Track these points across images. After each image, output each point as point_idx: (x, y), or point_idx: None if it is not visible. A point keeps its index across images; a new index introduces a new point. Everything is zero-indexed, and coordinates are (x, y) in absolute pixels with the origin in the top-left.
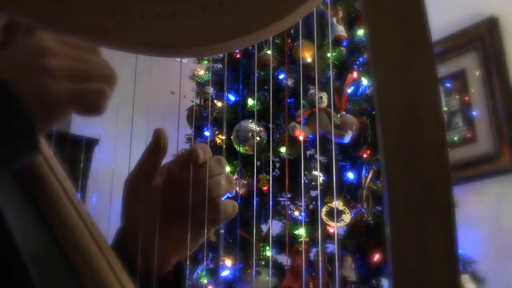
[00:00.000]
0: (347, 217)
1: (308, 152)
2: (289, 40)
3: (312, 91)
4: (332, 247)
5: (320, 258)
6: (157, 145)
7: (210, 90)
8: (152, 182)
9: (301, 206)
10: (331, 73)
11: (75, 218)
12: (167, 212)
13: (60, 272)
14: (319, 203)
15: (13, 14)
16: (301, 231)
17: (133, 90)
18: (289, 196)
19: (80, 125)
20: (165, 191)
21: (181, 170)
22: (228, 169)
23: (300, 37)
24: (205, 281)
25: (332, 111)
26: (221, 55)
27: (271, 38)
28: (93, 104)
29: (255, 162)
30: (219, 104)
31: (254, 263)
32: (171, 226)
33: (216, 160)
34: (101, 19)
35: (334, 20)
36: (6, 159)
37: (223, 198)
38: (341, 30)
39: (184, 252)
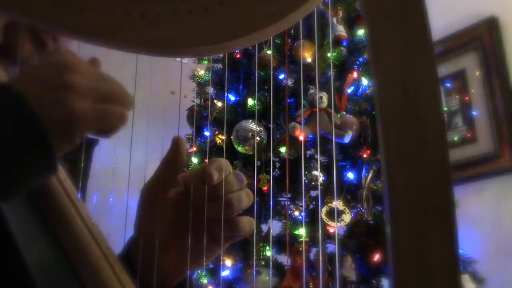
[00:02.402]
0: (347, 217)
1: (308, 152)
2: (289, 40)
3: (312, 91)
4: (332, 247)
5: (320, 258)
6: (176, 154)
7: (210, 90)
8: (169, 193)
9: (301, 206)
10: (331, 73)
11: (76, 218)
12: (182, 225)
13: (61, 272)
14: (319, 203)
15: (14, 14)
16: (301, 231)
17: (133, 90)
18: (289, 196)
19: None
20: (181, 204)
21: (198, 184)
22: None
23: (301, 37)
24: (205, 281)
25: (332, 111)
26: (221, 55)
27: (271, 38)
28: (111, 127)
29: (255, 162)
30: (219, 104)
31: (254, 263)
32: (185, 239)
33: (236, 175)
34: (102, 19)
35: (334, 20)
36: (23, 180)
37: None
38: (341, 30)
39: (197, 267)
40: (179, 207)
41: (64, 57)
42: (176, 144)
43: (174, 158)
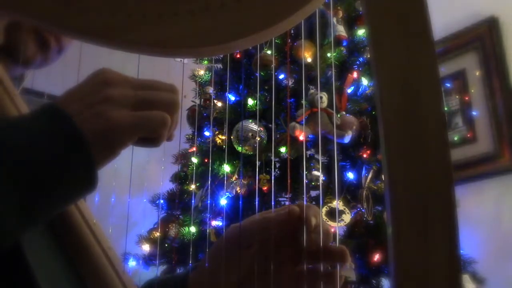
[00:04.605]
0: (347, 217)
1: (308, 152)
2: (290, 40)
3: (312, 91)
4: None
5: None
6: (285, 220)
7: (211, 90)
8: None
9: None
10: (332, 73)
11: (78, 218)
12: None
13: (62, 272)
14: (320, 203)
15: (17, 14)
16: None
17: None
18: (289, 196)
19: None
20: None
21: (281, 236)
22: (228, 168)
23: (302, 37)
24: None
25: (333, 111)
26: (222, 55)
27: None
28: (153, 132)
29: (256, 162)
30: (220, 104)
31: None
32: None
33: (326, 229)
34: (103, 19)
35: (334, 20)
36: (65, 197)
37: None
38: (341, 30)
39: None
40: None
41: (102, 75)
42: (295, 213)
43: (282, 220)
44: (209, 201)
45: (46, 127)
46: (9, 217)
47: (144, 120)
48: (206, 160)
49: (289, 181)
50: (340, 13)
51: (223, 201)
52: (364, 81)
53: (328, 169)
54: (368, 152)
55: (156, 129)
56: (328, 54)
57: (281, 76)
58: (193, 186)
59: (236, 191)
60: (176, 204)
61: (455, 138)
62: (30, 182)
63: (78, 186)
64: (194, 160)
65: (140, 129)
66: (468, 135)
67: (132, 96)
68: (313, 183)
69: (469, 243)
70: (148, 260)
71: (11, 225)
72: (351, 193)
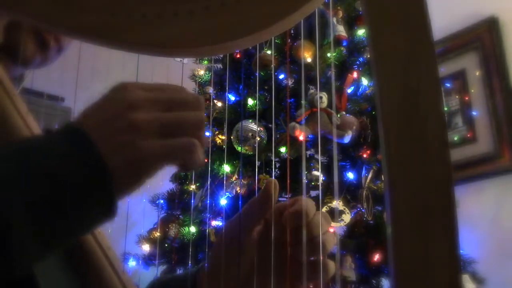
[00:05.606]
0: (347, 217)
1: (308, 152)
2: (289, 40)
3: (312, 91)
4: (332, 248)
5: (320, 258)
6: (268, 196)
7: (210, 90)
8: (252, 232)
9: None
10: (332, 73)
11: None
12: (263, 266)
13: (62, 272)
14: (320, 203)
15: (16, 14)
16: None
17: None
18: (289, 196)
19: None
20: (263, 244)
21: (282, 226)
22: (228, 168)
23: (302, 37)
24: None
25: (333, 111)
26: (221, 55)
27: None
28: (181, 160)
29: (256, 162)
30: (219, 104)
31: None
32: (267, 281)
33: (324, 216)
34: (103, 19)
35: (334, 20)
36: (84, 225)
37: None
38: (341, 30)
39: None
40: (261, 247)
41: (125, 93)
42: (269, 186)
43: (264, 199)
44: (209, 201)
45: (69, 153)
46: (29, 244)
47: (172, 150)
48: (206, 160)
49: (289, 181)
50: (340, 13)
51: (223, 201)
52: (364, 81)
53: (328, 169)
54: (368, 152)
55: (184, 157)
56: (328, 54)
57: (281, 76)
58: (193, 186)
59: (236, 191)
60: (176, 204)
61: (455, 138)
62: (51, 210)
63: (98, 216)
64: None
65: (167, 159)
66: (468, 135)
67: (158, 120)
68: (313, 183)
69: (469, 243)
70: (148, 260)
71: (31, 252)
72: (351, 193)
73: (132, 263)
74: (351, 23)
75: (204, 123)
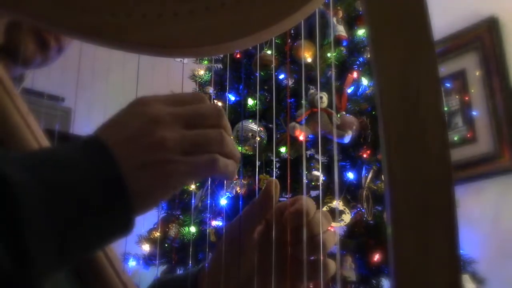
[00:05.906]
0: (347, 217)
1: (308, 152)
2: (289, 40)
3: (312, 91)
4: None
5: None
6: (268, 197)
7: (211, 90)
8: (253, 233)
9: None
10: (333, 73)
11: None
12: (265, 265)
13: (62, 272)
14: (320, 203)
15: (16, 14)
16: None
17: (135, 90)
18: (289, 196)
19: (82, 125)
20: (264, 243)
21: (283, 226)
22: None
23: (302, 37)
24: None
25: (333, 111)
26: (222, 55)
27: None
28: (203, 178)
29: (256, 162)
30: (220, 104)
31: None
32: (263, 280)
33: (324, 215)
34: (103, 19)
35: (334, 20)
36: (100, 240)
37: None
38: (341, 30)
39: None
40: (262, 247)
41: (146, 108)
42: (269, 186)
43: (262, 202)
44: (209, 201)
45: (90, 171)
46: (46, 258)
47: (195, 169)
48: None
49: (289, 181)
50: (340, 13)
51: (223, 201)
52: (364, 81)
53: (328, 169)
54: (368, 152)
55: (206, 175)
56: (328, 54)
57: (281, 76)
58: (193, 186)
59: (236, 191)
60: (176, 204)
61: (455, 138)
62: (66, 224)
63: (113, 234)
64: None
65: (190, 178)
66: (468, 135)
67: (184, 138)
68: (313, 183)
69: (469, 243)
70: (148, 260)
71: (47, 266)
72: (351, 193)
73: (132, 263)
74: (351, 23)
75: (226, 139)
